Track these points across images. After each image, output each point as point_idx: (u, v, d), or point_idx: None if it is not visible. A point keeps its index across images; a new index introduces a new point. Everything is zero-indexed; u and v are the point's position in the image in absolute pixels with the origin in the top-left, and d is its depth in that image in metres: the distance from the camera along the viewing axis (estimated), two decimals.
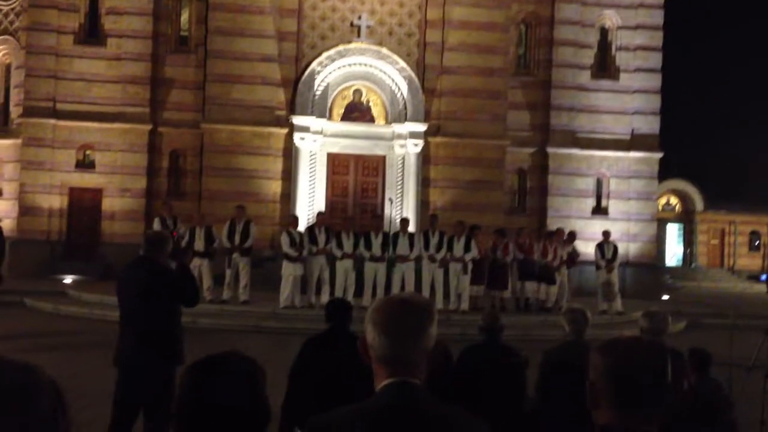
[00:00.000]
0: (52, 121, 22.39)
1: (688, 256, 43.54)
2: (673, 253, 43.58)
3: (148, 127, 22.73)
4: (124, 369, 5.48)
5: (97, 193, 22.75)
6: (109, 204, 22.67)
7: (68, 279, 20.30)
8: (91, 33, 22.98)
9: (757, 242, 43.97)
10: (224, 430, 1.73)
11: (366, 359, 2.01)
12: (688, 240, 43.84)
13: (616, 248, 17.98)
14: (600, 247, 17.85)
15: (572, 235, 18.17)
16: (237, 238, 15.72)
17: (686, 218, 43.87)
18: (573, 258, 17.67)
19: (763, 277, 37.20)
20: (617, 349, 1.90)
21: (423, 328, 1.97)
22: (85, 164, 22.77)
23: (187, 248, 14.15)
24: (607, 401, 1.85)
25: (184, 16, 23.67)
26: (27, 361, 1.58)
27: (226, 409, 1.72)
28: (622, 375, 1.84)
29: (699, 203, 43.36)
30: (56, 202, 22.52)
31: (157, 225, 15.84)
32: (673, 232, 44.00)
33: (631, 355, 1.87)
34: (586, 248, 20.67)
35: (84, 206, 22.75)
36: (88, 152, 22.76)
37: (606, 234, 18.29)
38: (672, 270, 37.47)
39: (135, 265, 5.65)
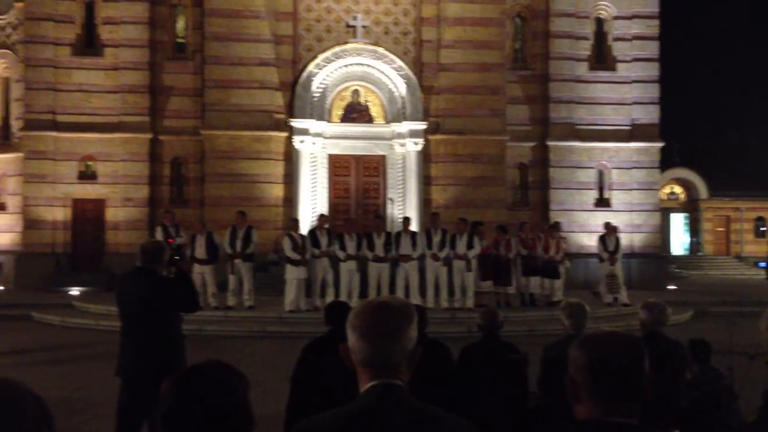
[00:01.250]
0: (53, 134, 22.45)
1: (694, 245, 43.45)
2: (679, 242, 43.51)
3: (149, 135, 22.79)
4: (126, 379, 5.52)
5: (100, 204, 22.81)
6: (112, 214, 22.72)
7: (74, 291, 20.38)
8: (88, 44, 23.01)
9: (763, 228, 43.83)
10: None
11: (349, 364, 2.03)
12: (694, 229, 43.75)
13: (618, 240, 17.97)
14: (602, 239, 17.85)
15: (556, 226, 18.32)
16: (239, 244, 15.74)
17: (691, 207, 43.79)
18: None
19: (762, 264, 37.08)
20: (595, 344, 1.91)
21: (401, 330, 1.99)
22: (87, 175, 22.81)
23: (185, 255, 14.18)
24: (587, 395, 1.86)
25: (180, 23, 23.69)
26: (8, 377, 1.59)
27: (207, 418, 1.74)
28: (601, 369, 1.86)
29: (703, 191, 43.26)
30: (60, 214, 22.57)
31: (159, 234, 15.90)
32: (679, 221, 43.92)
33: (609, 349, 1.88)
34: (590, 240, 20.68)
35: (87, 217, 22.80)
36: (89, 163, 22.81)
37: (608, 226, 18.29)
38: (678, 259, 37.38)
39: (132, 275, 5.69)
